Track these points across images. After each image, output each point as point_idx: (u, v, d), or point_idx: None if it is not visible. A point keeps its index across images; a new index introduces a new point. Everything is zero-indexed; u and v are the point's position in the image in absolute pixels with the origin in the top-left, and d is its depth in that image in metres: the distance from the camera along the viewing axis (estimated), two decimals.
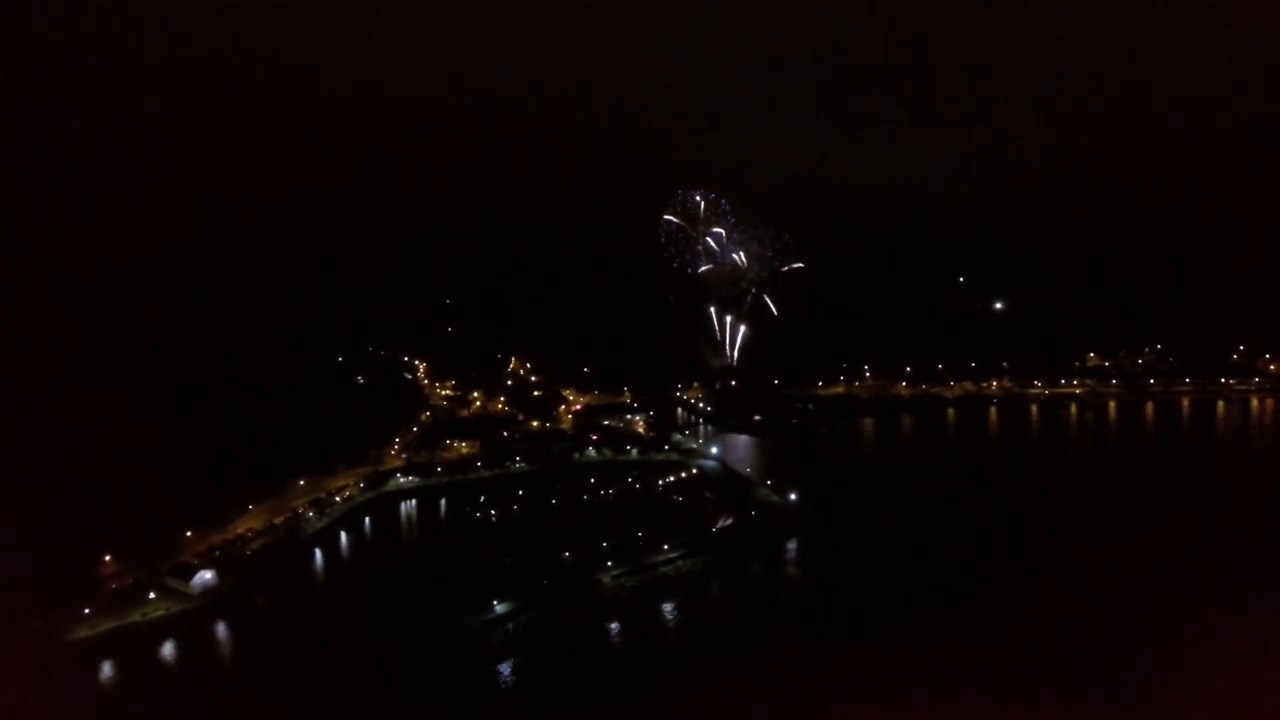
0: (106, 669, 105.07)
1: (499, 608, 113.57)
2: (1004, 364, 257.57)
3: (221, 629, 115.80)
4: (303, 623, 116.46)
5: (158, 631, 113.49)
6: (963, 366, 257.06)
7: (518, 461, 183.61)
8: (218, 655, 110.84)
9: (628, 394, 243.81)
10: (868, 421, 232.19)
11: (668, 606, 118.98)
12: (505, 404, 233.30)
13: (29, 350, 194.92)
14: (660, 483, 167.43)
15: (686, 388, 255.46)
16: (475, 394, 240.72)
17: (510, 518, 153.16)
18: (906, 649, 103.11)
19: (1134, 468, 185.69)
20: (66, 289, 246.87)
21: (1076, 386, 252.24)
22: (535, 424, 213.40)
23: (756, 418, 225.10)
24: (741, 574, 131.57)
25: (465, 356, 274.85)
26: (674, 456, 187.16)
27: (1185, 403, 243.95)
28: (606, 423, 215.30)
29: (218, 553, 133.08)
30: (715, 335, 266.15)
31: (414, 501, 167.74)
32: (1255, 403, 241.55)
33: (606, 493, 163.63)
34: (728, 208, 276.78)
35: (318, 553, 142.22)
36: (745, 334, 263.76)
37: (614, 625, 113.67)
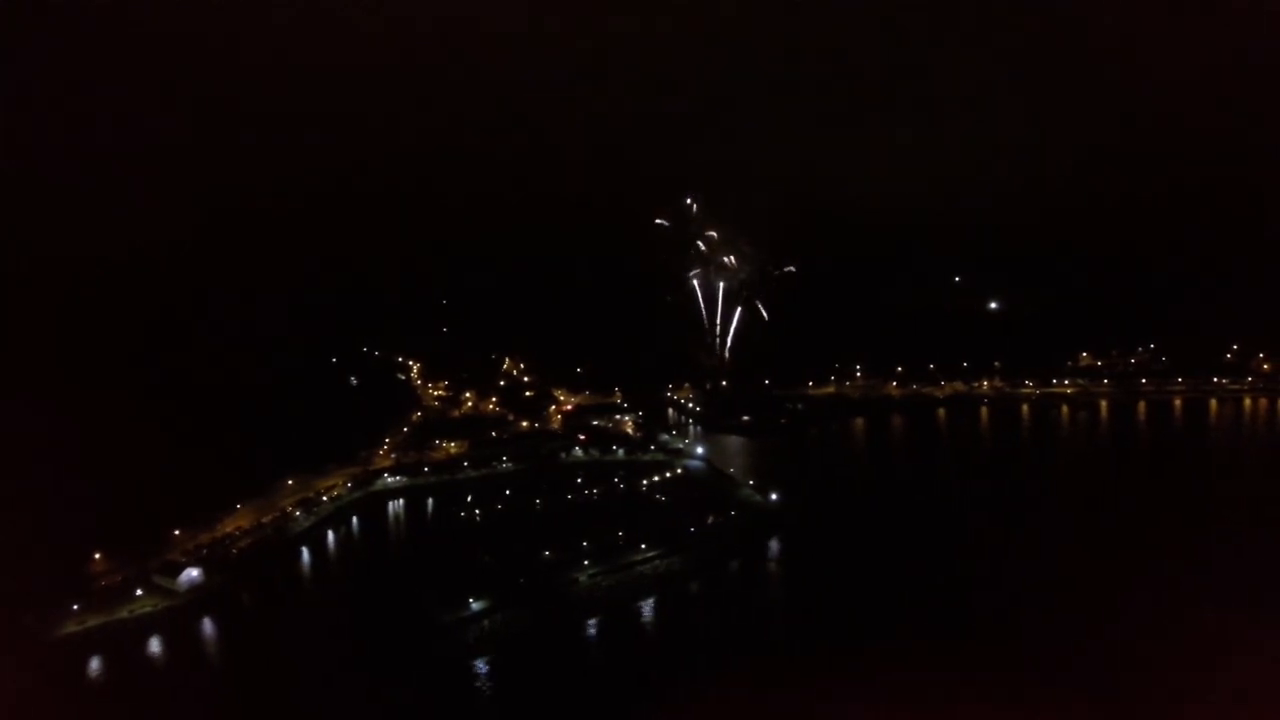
0: (94, 663, 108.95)
1: (475, 605, 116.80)
2: (996, 363, 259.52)
3: (206, 625, 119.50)
4: (285, 619, 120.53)
5: (144, 627, 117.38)
6: (954, 366, 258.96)
7: (504, 461, 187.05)
8: (201, 650, 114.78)
9: (619, 394, 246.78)
10: (857, 421, 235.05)
11: (641, 605, 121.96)
12: (497, 404, 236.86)
13: (19, 349, 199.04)
14: (645, 483, 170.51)
15: (678, 388, 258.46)
16: (467, 394, 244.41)
17: (494, 517, 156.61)
18: (885, 648, 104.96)
19: (1127, 467, 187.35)
20: (58, 287, 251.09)
21: (1068, 386, 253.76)
22: (525, 424, 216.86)
23: (745, 418, 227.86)
24: (719, 573, 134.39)
25: (460, 357, 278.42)
26: (660, 456, 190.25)
27: (1178, 402, 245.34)
28: (596, 423, 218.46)
29: (205, 551, 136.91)
30: (707, 336, 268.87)
31: (401, 501, 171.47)
32: (1248, 402, 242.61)
33: (591, 492, 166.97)
34: (721, 208, 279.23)
35: (304, 551, 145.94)
36: (737, 334, 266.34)
37: (586, 623, 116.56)
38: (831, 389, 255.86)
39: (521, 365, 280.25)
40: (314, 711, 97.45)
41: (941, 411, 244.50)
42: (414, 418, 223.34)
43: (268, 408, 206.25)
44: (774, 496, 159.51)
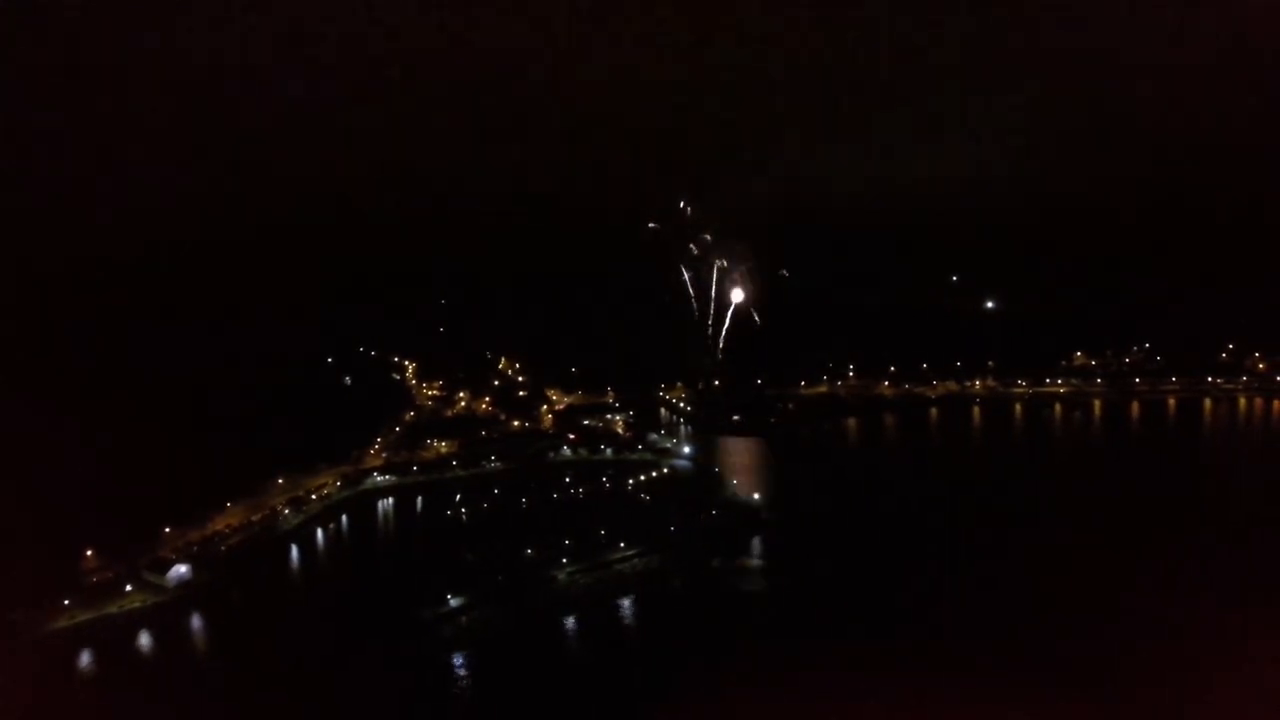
0: (83, 656, 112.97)
1: (453, 602, 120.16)
2: (989, 363, 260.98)
3: (192, 620, 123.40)
4: (270, 614, 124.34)
5: (133, 622, 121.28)
6: (947, 366, 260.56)
7: (493, 461, 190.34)
8: (186, 644, 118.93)
9: (611, 394, 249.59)
10: (848, 421, 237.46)
11: (618, 602, 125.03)
12: (490, 404, 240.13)
13: (15, 348, 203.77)
14: (630, 482, 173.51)
15: (671, 388, 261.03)
16: (461, 394, 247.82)
17: (480, 516, 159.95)
18: (861, 646, 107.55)
19: (1122, 466, 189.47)
20: (53, 286, 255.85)
21: (1061, 385, 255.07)
22: (516, 424, 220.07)
23: (735, 418, 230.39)
24: (698, 571, 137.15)
25: (456, 357, 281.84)
26: (648, 456, 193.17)
27: (1171, 402, 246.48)
28: (587, 422, 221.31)
29: (195, 548, 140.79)
30: (701, 336, 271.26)
31: (390, 500, 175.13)
32: (1243, 401, 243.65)
33: (577, 491, 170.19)
34: (716, 208, 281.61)
35: (291, 549, 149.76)
36: (730, 335, 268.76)
37: (562, 620, 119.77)
38: (824, 389, 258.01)
39: (517, 365, 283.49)
40: (295, 703, 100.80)
41: (934, 411, 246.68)
42: (407, 417, 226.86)
43: (263, 407, 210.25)
44: (757, 496, 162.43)
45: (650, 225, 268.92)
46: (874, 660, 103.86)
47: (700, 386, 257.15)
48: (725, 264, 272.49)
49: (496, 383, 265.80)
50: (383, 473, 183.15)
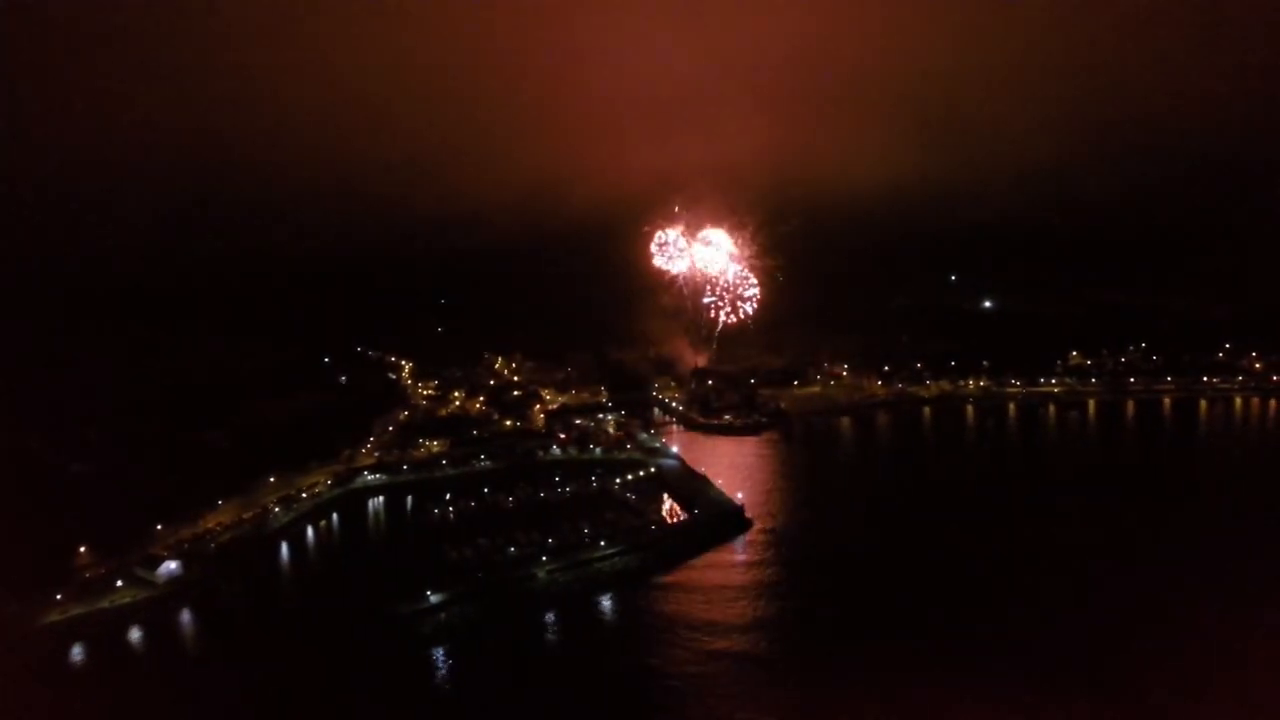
0: (74, 649, 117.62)
1: (433, 598, 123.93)
2: (984, 363, 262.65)
3: (181, 614, 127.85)
4: (255, 609, 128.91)
5: (123, 617, 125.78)
6: (942, 365, 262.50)
7: (482, 460, 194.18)
8: (174, 638, 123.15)
9: (604, 393, 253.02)
10: (840, 421, 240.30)
11: (596, 600, 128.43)
12: (483, 404, 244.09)
13: (10, 347, 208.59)
14: (617, 481, 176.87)
15: (664, 388, 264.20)
16: (455, 394, 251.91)
17: (466, 514, 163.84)
18: (833, 644, 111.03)
19: (1116, 466, 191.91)
20: (49, 284, 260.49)
21: (1055, 385, 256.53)
22: (508, 423, 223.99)
23: (726, 417, 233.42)
24: (677, 570, 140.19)
25: (453, 356, 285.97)
26: (635, 455, 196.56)
27: (1167, 401, 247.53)
28: (578, 421, 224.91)
29: (186, 545, 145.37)
30: (694, 335, 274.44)
31: (380, 499, 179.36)
32: (1239, 401, 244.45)
33: (563, 490, 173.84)
34: (711, 207, 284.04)
35: (280, 546, 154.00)
36: (723, 334, 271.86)
37: (539, 616, 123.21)
38: (817, 388, 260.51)
39: (513, 365, 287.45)
40: (277, 695, 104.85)
41: (927, 411, 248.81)
42: (401, 417, 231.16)
43: (257, 406, 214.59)
44: (740, 495, 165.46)
45: (648, 225, 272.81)
46: (849, 657, 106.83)
47: (693, 386, 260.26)
48: (720, 263, 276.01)
49: (491, 382, 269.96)
50: (373, 471, 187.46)
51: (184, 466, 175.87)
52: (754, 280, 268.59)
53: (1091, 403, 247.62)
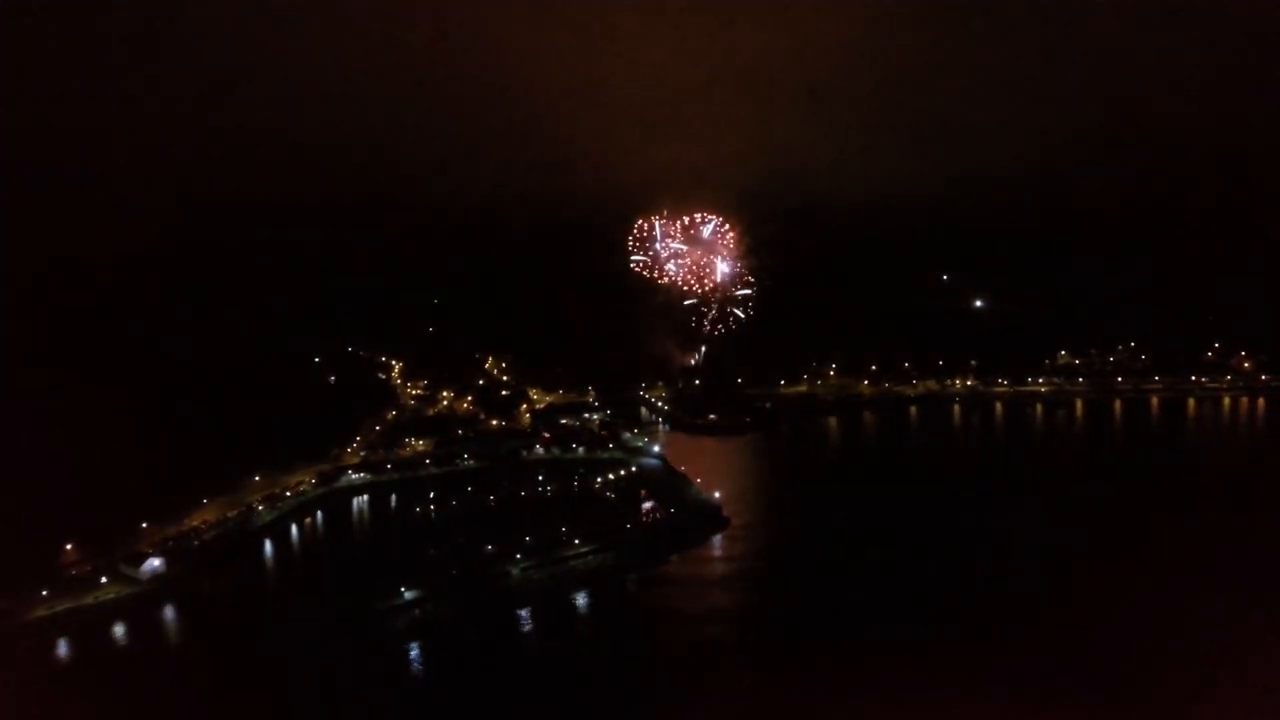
0: (58, 643, 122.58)
1: (407, 595, 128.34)
2: (972, 362, 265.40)
3: (163, 610, 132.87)
4: (236, 605, 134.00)
5: (107, 612, 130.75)
6: (929, 364, 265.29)
7: (466, 459, 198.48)
8: (157, 633, 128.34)
9: (592, 393, 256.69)
10: (824, 420, 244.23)
11: (570, 597, 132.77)
12: (471, 404, 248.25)
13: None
14: (598, 480, 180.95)
15: (651, 387, 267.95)
16: (444, 394, 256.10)
17: (447, 512, 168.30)
18: (807, 641, 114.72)
19: (1109, 465, 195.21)
20: (32, 282, 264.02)
21: (1042, 385, 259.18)
22: (495, 423, 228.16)
23: (711, 416, 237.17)
24: (653, 568, 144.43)
25: (443, 356, 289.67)
26: (618, 455, 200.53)
27: (1154, 401, 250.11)
28: (564, 421, 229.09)
29: (170, 543, 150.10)
30: (683, 335, 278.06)
31: (364, 497, 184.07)
32: (1227, 401, 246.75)
33: (544, 489, 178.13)
34: (701, 211, 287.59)
35: (263, 544, 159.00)
36: (712, 334, 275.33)
37: (512, 613, 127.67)
38: (804, 388, 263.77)
39: (503, 365, 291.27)
40: (255, 687, 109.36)
41: (913, 410, 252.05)
42: (388, 416, 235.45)
43: (247, 406, 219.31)
44: (718, 494, 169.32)
45: (639, 223, 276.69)
46: (819, 652, 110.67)
47: (680, 385, 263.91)
48: (708, 264, 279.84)
49: (481, 382, 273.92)
50: (358, 471, 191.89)
51: (171, 465, 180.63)
52: (741, 280, 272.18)
53: (1079, 402, 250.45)
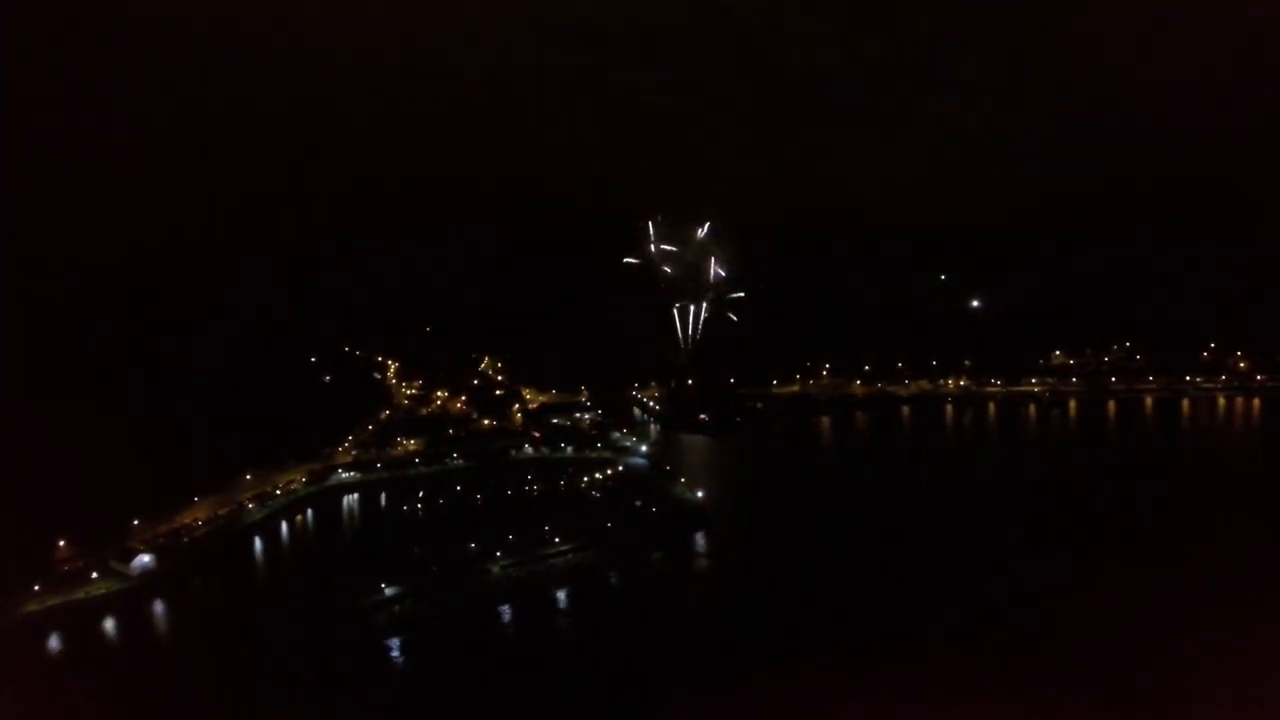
0: (50, 636, 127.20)
1: (387, 591, 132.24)
2: (965, 362, 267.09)
3: (152, 606, 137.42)
4: (222, 600, 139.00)
5: (98, 607, 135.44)
6: (923, 364, 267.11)
7: (455, 459, 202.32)
8: (145, 627, 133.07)
9: (585, 393, 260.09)
10: (814, 420, 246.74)
11: (549, 594, 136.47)
12: (464, 403, 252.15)
13: None
14: (584, 479, 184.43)
15: (644, 387, 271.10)
16: (438, 393, 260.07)
17: (434, 511, 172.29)
18: (777, 638, 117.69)
19: (1103, 465, 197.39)
20: (27, 282, 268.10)
21: (1035, 385, 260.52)
22: (487, 422, 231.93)
23: (702, 416, 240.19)
24: (631, 566, 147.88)
25: (440, 356, 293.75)
26: (606, 454, 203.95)
27: (1148, 401, 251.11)
28: (555, 421, 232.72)
29: (161, 540, 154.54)
30: (677, 335, 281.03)
31: (353, 496, 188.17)
32: (1221, 401, 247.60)
33: (530, 488, 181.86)
34: (696, 206, 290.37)
35: (252, 541, 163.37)
36: (705, 335, 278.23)
37: (491, 610, 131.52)
38: (797, 388, 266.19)
39: (499, 365, 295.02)
40: (238, 679, 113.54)
41: (906, 410, 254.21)
42: (382, 416, 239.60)
43: (241, 405, 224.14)
44: (700, 493, 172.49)
45: (629, 229, 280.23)
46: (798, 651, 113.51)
47: (672, 385, 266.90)
48: (704, 261, 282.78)
49: (475, 382, 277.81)
50: (348, 469, 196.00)
51: (165, 463, 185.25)
52: (735, 281, 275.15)
53: (1072, 403, 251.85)
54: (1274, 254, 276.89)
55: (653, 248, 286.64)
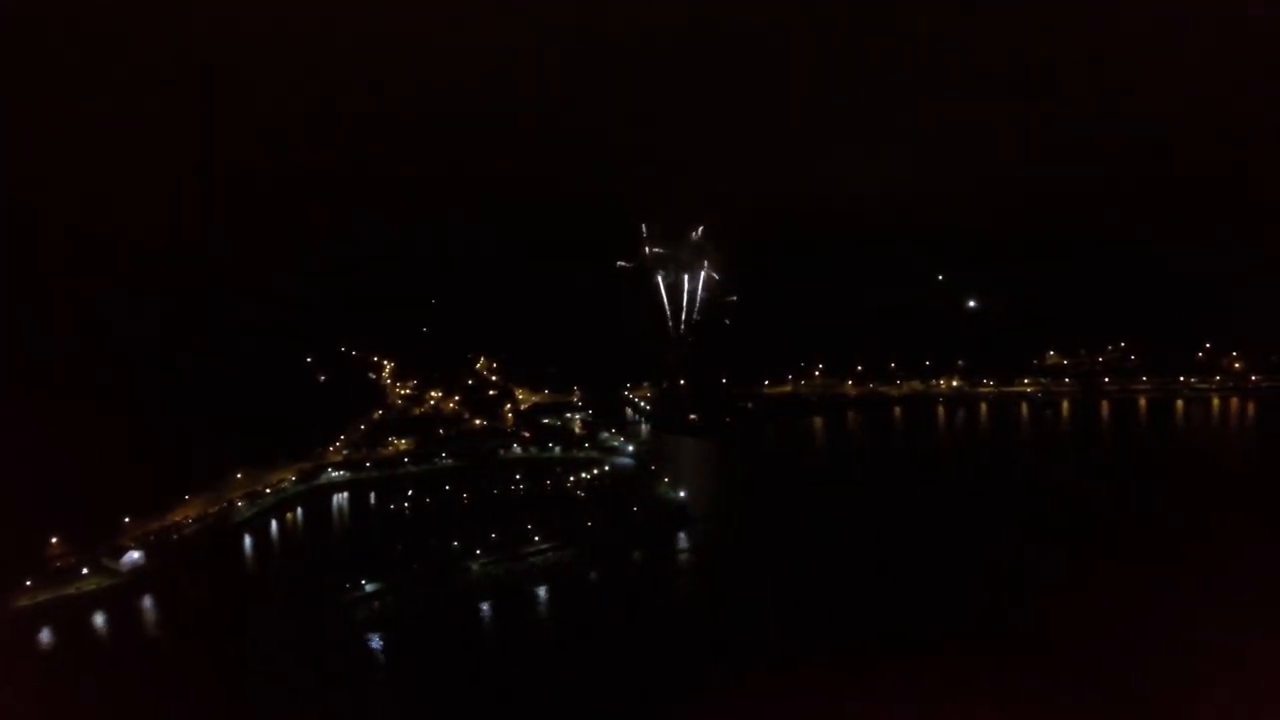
0: (40, 630, 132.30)
1: (368, 587, 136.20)
2: (959, 362, 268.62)
3: (139, 601, 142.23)
4: (207, 595, 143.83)
5: (87, 602, 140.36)
6: (916, 365, 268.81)
7: (444, 458, 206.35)
8: (133, 621, 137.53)
9: (577, 393, 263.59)
10: (804, 420, 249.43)
11: (528, 592, 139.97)
12: (457, 403, 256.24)
13: None
14: (570, 479, 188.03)
15: (637, 387, 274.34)
16: (432, 393, 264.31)
17: (421, 510, 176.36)
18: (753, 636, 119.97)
19: (1095, 466, 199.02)
20: (27, 279, 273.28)
21: (1028, 385, 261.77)
22: (478, 422, 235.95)
23: (692, 417, 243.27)
24: (610, 564, 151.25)
25: (436, 356, 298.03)
26: (593, 454, 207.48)
27: (1142, 402, 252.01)
28: (546, 421, 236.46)
29: (152, 537, 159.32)
30: (669, 337, 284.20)
31: (343, 495, 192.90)
32: (1216, 402, 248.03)
33: (516, 487, 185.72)
34: (691, 211, 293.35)
35: (240, 538, 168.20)
36: (698, 335, 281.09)
37: (467, 606, 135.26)
38: (788, 388, 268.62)
39: (494, 365, 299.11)
40: (221, 671, 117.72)
41: (898, 410, 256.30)
42: (375, 415, 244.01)
43: (236, 405, 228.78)
44: (682, 493, 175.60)
45: (623, 230, 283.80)
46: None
47: (664, 385, 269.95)
48: (698, 263, 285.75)
49: (470, 382, 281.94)
50: (339, 469, 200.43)
51: (159, 462, 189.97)
52: (728, 282, 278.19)
53: (1065, 403, 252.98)
54: (1270, 254, 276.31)
55: (647, 249, 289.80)
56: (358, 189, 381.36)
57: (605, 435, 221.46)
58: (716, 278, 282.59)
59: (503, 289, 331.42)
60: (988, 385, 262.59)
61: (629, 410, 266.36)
